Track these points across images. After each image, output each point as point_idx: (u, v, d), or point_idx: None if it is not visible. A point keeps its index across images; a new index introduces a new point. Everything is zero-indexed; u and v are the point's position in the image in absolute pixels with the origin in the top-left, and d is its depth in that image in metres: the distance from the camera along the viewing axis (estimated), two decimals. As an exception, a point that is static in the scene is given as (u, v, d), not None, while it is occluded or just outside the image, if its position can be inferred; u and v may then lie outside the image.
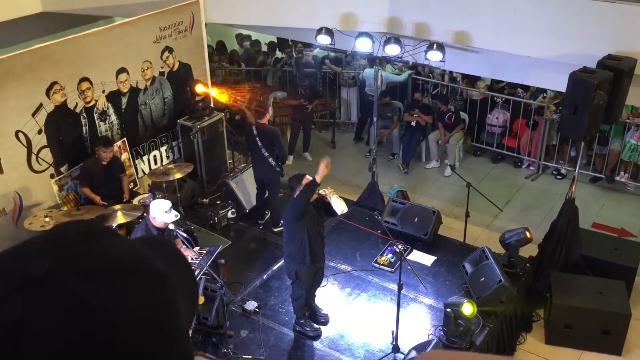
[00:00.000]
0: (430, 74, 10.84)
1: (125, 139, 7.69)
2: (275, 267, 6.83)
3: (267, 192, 7.60)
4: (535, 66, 7.24)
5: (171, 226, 5.60)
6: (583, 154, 9.06)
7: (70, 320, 0.59)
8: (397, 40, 7.29)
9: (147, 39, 7.66)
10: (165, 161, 8.24)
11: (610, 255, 6.86)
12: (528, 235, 6.60)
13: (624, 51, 6.24)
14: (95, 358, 0.59)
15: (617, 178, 9.43)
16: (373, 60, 7.93)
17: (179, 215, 6.14)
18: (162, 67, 7.97)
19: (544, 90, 9.58)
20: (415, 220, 7.31)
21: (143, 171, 8.03)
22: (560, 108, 8.38)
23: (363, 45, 7.38)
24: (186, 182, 7.81)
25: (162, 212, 5.53)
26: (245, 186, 7.96)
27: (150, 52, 7.75)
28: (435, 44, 7.15)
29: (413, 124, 10.04)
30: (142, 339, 0.63)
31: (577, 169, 7.08)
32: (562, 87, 6.36)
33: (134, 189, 7.75)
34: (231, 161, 8.84)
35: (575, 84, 6.00)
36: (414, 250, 7.06)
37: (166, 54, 7.95)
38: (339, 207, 5.67)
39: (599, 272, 6.74)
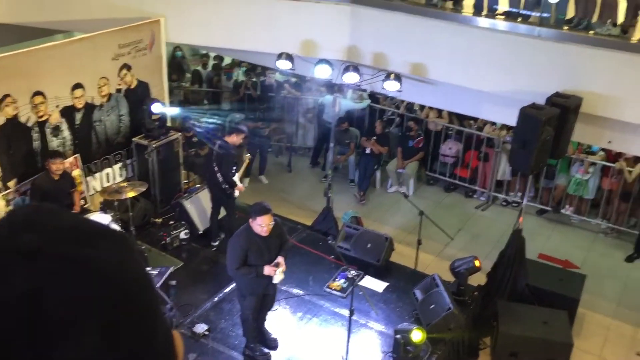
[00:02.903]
0: (393, 104, 11.04)
1: (77, 155, 7.54)
2: (227, 290, 6.76)
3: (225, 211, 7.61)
4: (488, 100, 7.48)
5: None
6: (531, 187, 9.39)
7: (75, 284, 0.64)
8: (355, 68, 7.44)
9: (106, 56, 7.59)
10: (118, 179, 8.11)
11: (555, 286, 7.07)
12: (477, 264, 6.76)
13: (570, 89, 6.53)
14: (106, 312, 0.65)
15: (563, 211, 9.77)
16: (332, 87, 8.06)
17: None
18: (119, 84, 7.90)
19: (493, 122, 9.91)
20: (369, 246, 7.38)
21: (94, 189, 7.87)
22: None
23: (322, 72, 7.49)
24: (139, 201, 7.70)
25: None
26: (200, 207, 7.90)
27: (108, 68, 7.68)
28: (392, 74, 7.33)
29: (368, 151, 10.20)
30: (137, 287, 0.71)
31: (524, 200, 7.32)
32: (513, 121, 6.59)
33: (84, 206, 7.58)
34: (186, 181, 8.77)
35: (524, 119, 6.23)
36: (366, 276, 7.11)
37: (124, 71, 7.89)
38: (277, 279, 5.60)
39: (544, 302, 6.93)
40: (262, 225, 5.28)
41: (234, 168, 7.37)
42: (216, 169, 7.17)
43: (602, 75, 6.45)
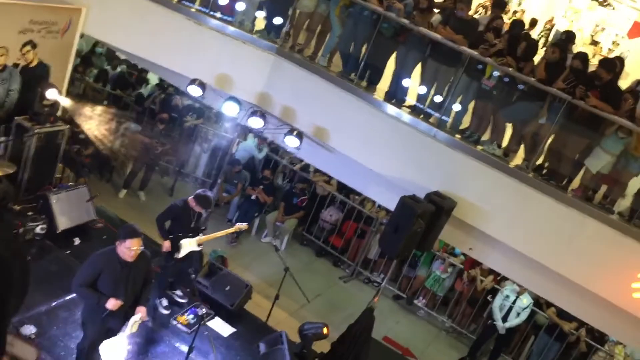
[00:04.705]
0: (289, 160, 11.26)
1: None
2: (68, 297, 6.39)
3: None
4: (376, 180, 7.85)
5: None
6: (393, 271, 9.83)
7: None
8: (262, 115, 7.57)
9: (13, 26, 7.21)
10: (-15, 154, 7.57)
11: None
12: (325, 331, 6.90)
13: (448, 191, 7.02)
14: None
15: (416, 301, 10.28)
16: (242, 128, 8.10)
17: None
18: (18, 59, 7.49)
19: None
20: (227, 288, 7.35)
21: (-44, 157, 7.30)
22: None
23: (229, 109, 7.55)
24: (1, 182, 7.20)
25: None
26: (66, 205, 7.52)
27: (11, 39, 7.28)
28: (295, 131, 7.53)
29: (253, 197, 10.27)
30: None
31: (384, 282, 7.66)
32: (392, 205, 6.95)
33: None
34: (59, 176, 8.32)
35: (402, 207, 6.60)
36: (217, 318, 7.04)
37: (27, 47, 7.51)
38: (132, 329, 5.28)
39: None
40: (130, 248, 4.98)
41: (191, 234, 6.92)
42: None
43: (478, 187, 7.01)
